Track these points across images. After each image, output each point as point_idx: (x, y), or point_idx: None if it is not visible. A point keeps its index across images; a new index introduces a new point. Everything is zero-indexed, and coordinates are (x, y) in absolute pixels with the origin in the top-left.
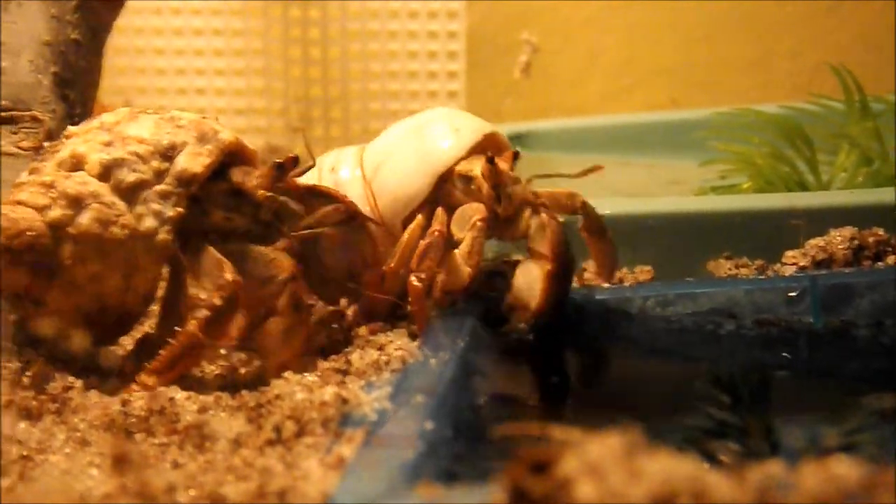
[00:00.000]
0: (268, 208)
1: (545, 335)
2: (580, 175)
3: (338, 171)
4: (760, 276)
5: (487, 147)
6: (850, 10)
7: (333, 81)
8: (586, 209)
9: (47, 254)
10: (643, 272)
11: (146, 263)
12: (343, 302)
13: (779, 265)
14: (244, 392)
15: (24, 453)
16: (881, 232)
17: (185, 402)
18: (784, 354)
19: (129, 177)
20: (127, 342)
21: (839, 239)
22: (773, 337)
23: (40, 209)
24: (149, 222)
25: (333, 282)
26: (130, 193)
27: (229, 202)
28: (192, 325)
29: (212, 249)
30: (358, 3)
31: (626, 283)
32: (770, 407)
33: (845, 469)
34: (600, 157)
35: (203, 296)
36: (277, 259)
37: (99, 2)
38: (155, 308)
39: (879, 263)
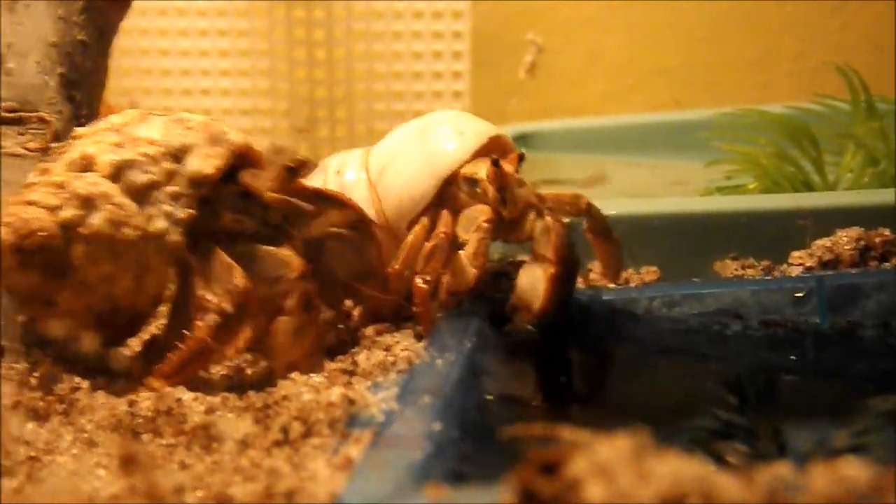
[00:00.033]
0: (277, 211)
1: (551, 336)
2: (585, 184)
3: (343, 173)
4: (767, 277)
5: (492, 149)
6: (853, 11)
7: (338, 82)
8: (591, 210)
9: (59, 254)
10: (649, 273)
11: (157, 264)
12: (348, 303)
13: (785, 266)
14: (251, 393)
15: (32, 454)
16: (888, 232)
17: (192, 402)
18: (790, 355)
19: (139, 178)
20: (134, 343)
21: (845, 239)
22: (780, 338)
23: (52, 209)
24: (159, 223)
25: (338, 285)
26: (141, 195)
27: (239, 204)
28: (201, 330)
29: (222, 253)
30: (362, 4)
31: (632, 284)
32: (777, 408)
33: (854, 470)
34: (605, 157)
35: (212, 298)
36: (287, 258)
37: (106, 3)
38: (162, 309)
39: (886, 264)
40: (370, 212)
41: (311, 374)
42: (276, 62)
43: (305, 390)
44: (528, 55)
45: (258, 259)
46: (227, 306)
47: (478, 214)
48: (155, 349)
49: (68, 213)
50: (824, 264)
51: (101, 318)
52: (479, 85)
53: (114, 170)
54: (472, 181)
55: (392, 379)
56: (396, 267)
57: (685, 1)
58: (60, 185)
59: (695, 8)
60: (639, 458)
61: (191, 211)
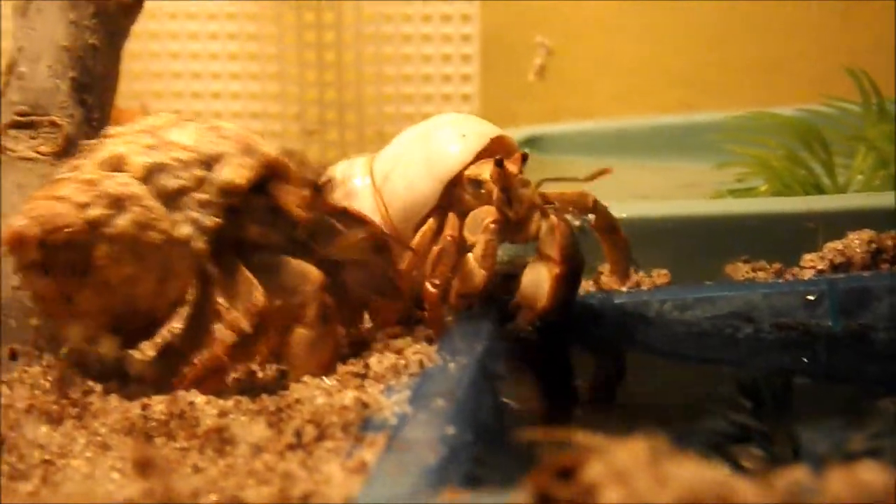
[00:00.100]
0: (303, 228)
1: (563, 339)
2: (589, 179)
3: (348, 180)
4: (778, 280)
5: (495, 150)
6: (863, 13)
7: (347, 85)
8: (597, 208)
9: (82, 252)
10: (660, 276)
11: (180, 270)
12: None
13: (797, 269)
14: (264, 396)
15: (46, 457)
16: None
17: (204, 406)
18: (802, 358)
19: (170, 182)
20: (147, 347)
21: (857, 242)
22: (792, 341)
23: (80, 206)
24: (186, 229)
25: (354, 303)
26: (171, 199)
27: (266, 218)
28: (217, 348)
29: (244, 269)
30: (372, 7)
31: (643, 287)
32: (790, 411)
33: (872, 475)
34: (615, 160)
35: (231, 313)
36: (306, 270)
37: (117, 7)
38: (179, 315)
39: None
40: (376, 218)
41: (324, 378)
42: (285, 65)
43: (318, 394)
44: (537, 58)
45: (278, 270)
46: (246, 326)
47: (484, 216)
48: (170, 355)
49: (96, 211)
50: (836, 267)
51: (118, 320)
52: (489, 88)
53: (145, 172)
54: (477, 182)
55: (404, 382)
56: (404, 267)
57: (694, 3)
58: (91, 183)
59: (704, 10)
60: (655, 462)
61: (217, 220)
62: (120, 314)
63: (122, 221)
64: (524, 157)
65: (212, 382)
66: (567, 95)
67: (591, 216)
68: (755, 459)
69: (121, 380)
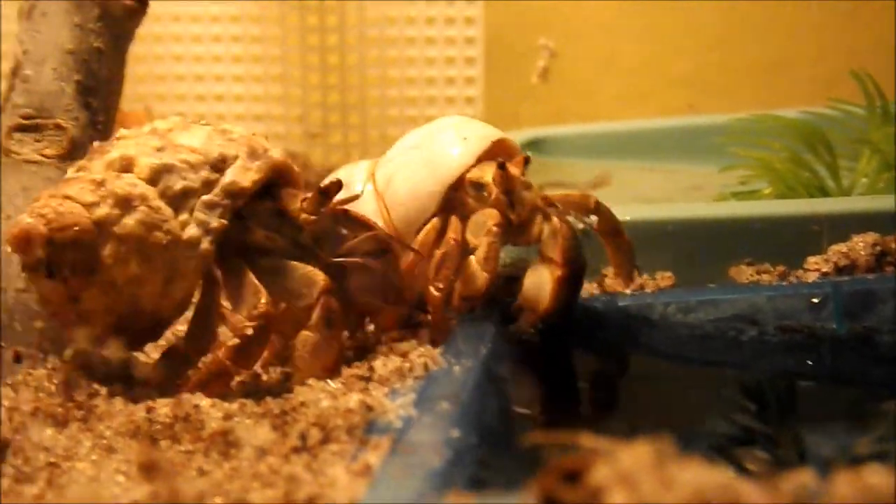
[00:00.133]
0: (309, 233)
1: (567, 342)
2: (589, 187)
3: (351, 186)
4: (783, 283)
5: (497, 153)
6: (868, 15)
7: (351, 88)
8: (600, 209)
9: (89, 251)
10: (664, 278)
11: (186, 271)
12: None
13: (801, 271)
14: (269, 399)
15: (52, 460)
16: None
17: (209, 409)
18: (807, 361)
19: (177, 184)
20: (151, 349)
21: (861, 245)
22: (796, 343)
23: (88, 206)
24: (192, 231)
25: (356, 309)
26: (177, 200)
27: (272, 222)
28: (221, 352)
29: (250, 273)
30: (375, 10)
31: (648, 290)
32: (795, 414)
33: (879, 478)
34: (618, 162)
35: (235, 317)
36: (312, 274)
37: (122, 10)
38: (184, 318)
39: None
40: (379, 222)
41: (328, 381)
42: (289, 68)
43: (323, 396)
44: (540, 60)
45: (284, 274)
46: (249, 330)
47: (486, 219)
48: (174, 358)
49: (104, 210)
50: (840, 270)
51: (124, 321)
52: (492, 90)
53: (153, 173)
54: (479, 185)
55: (409, 385)
56: (409, 263)
57: (697, 5)
58: (99, 183)
59: (708, 13)
60: (661, 465)
61: (224, 221)
62: (125, 315)
63: (129, 221)
64: (526, 160)
65: (216, 386)
66: (570, 98)
67: (594, 219)
68: (760, 462)
69: (125, 382)
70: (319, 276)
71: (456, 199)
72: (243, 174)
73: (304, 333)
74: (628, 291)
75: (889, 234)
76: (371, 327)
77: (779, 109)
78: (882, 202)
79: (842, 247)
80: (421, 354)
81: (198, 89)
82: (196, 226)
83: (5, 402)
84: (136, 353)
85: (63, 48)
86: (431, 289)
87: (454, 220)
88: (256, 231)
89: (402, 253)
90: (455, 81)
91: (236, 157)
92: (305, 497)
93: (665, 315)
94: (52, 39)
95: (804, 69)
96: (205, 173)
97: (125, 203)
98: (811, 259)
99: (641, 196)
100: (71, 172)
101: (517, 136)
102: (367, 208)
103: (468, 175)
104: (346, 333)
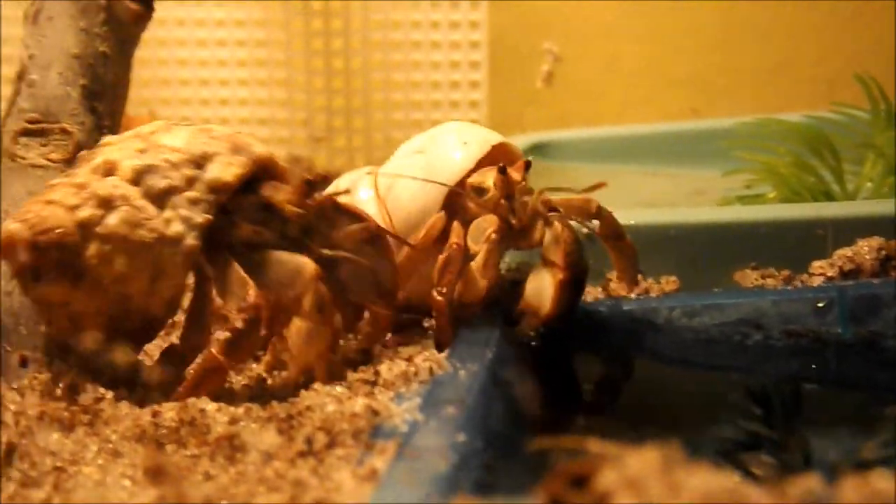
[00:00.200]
0: (296, 224)
1: (571, 346)
2: (588, 191)
3: (353, 192)
4: (788, 287)
5: (498, 158)
6: (872, 18)
7: (355, 92)
8: (602, 213)
9: (74, 253)
10: (669, 283)
11: (172, 268)
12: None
13: (806, 275)
14: (274, 403)
15: (58, 465)
16: None
17: (215, 413)
18: (812, 366)
19: (160, 183)
20: (151, 349)
21: (867, 249)
22: (801, 348)
23: (70, 209)
24: (177, 227)
25: (350, 303)
26: (161, 199)
27: (258, 216)
28: (213, 348)
29: (238, 267)
30: (380, 14)
31: (652, 294)
32: (801, 418)
33: (886, 483)
34: (622, 166)
35: (223, 309)
36: (301, 262)
37: (127, 15)
38: (179, 318)
39: None
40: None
41: (334, 385)
42: (293, 72)
43: (329, 401)
44: (544, 64)
45: (273, 264)
46: (239, 323)
47: (486, 226)
48: (171, 359)
49: (86, 212)
50: (845, 274)
51: (114, 321)
52: (496, 94)
53: (135, 174)
54: (480, 190)
55: (415, 389)
56: (405, 255)
57: (701, 8)
58: (81, 186)
59: (712, 16)
60: (668, 470)
61: (208, 217)
62: (116, 315)
63: (112, 220)
64: (527, 165)
65: (211, 383)
66: (574, 102)
67: (597, 223)
68: (766, 467)
69: (129, 385)
70: (308, 264)
71: (458, 203)
72: (225, 169)
73: (297, 322)
74: (633, 296)
75: (894, 239)
76: (366, 327)
77: (781, 112)
78: (887, 206)
79: (847, 251)
80: (426, 359)
81: (202, 93)
82: (180, 222)
83: (11, 407)
84: (140, 357)
85: (69, 52)
86: (434, 293)
87: (456, 225)
88: (243, 226)
89: (397, 246)
90: (459, 85)
91: (218, 154)
92: (311, 501)
93: (670, 319)
94: (57, 44)
95: (806, 71)
96: (187, 171)
97: (107, 203)
98: (816, 263)
99: (646, 200)
100: (57, 179)
101: (521, 141)
102: (370, 214)
103: (469, 180)
104: (339, 319)
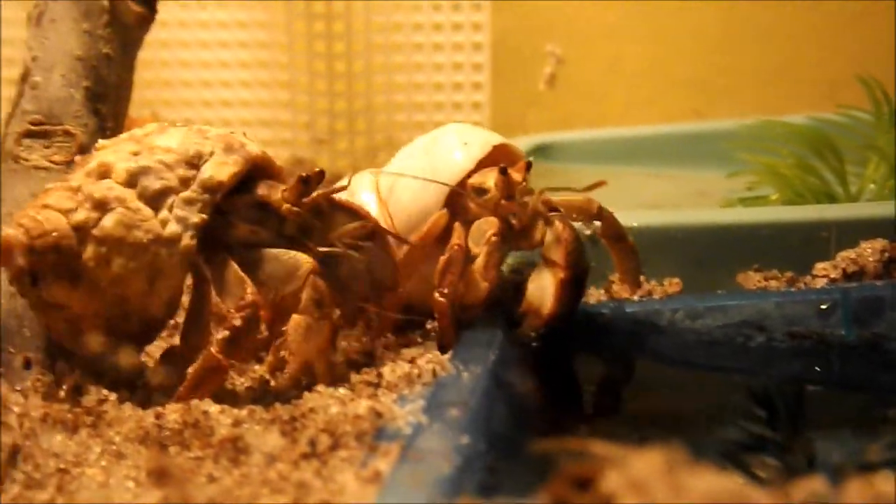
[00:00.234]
0: (292, 223)
1: (573, 348)
2: (585, 190)
3: (355, 194)
4: (791, 289)
5: (499, 159)
6: (875, 20)
7: (358, 94)
8: (603, 214)
9: (71, 256)
10: (672, 285)
11: (169, 269)
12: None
13: (809, 277)
14: (277, 405)
15: (62, 466)
16: None
17: (218, 415)
18: (815, 367)
19: (154, 184)
20: (152, 350)
21: (870, 251)
22: (804, 350)
23: (66, 212)
24: (173, 227)
25: (351, 301)
26: (155, 199)
27: (254, 215)
28: (212, 347)
29: (235, 266)
30: (382, 17)
31: (655, 296)
32: (804, 420)
33: (889, 485)
34: (625, 168)
35: (226, 310)
36: (297, 257)
37: (131, 17)
38: (178, 320)
39: None
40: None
41: (337, 387)
42: (296, 74)
43: (332, 402)
44: (547, 66)
45: (270, 261)
46: (237, 322)
47: (487, 227)
48: (172, 360)
49: (81, 215)
50: (848, 276)
51: (113, 323)
52: (499, 96)
53: (129, 176)
54: (481, 191)
55: (418, 391)
56: (419, 240)
57: (705, 11)
58: (76, 189)
59: (715, 18)
60: (672, 472)
61: (203, 216)
62: (114, 317)
63: (108, 223)
64: (528, 166)
65: (212, 382)
66: (577, 104)
67: (598, 223)
68: (769, 469)
69: (131, 387)
70: (305, 259)
71: (459, 204)
72: (220, 168)
73: (296, 318)
74: (636, 298)
75: None
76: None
77: (784, 114)
78: (890, 208)
79: (850, 253)
80: (429, 360)
81: (205, 95)
82: (176, 222)
83: (15, 408)
84: (150, 364)
85: (72, 54)
86: (436, 295)
87: (457, 226)
88: (239, 225)
89: (398, 245)
90: (462, 87)
91: (212, 153)
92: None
93: (673, 321)
94: (61, 46)
95: (809, 73)
96: (181, 171)
97: (102, 206)
98: (819, 265)
99: (648, 202)
100: (52, 184)
101: (524, 142)
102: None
103: (470, 180)
104: (337, 313)
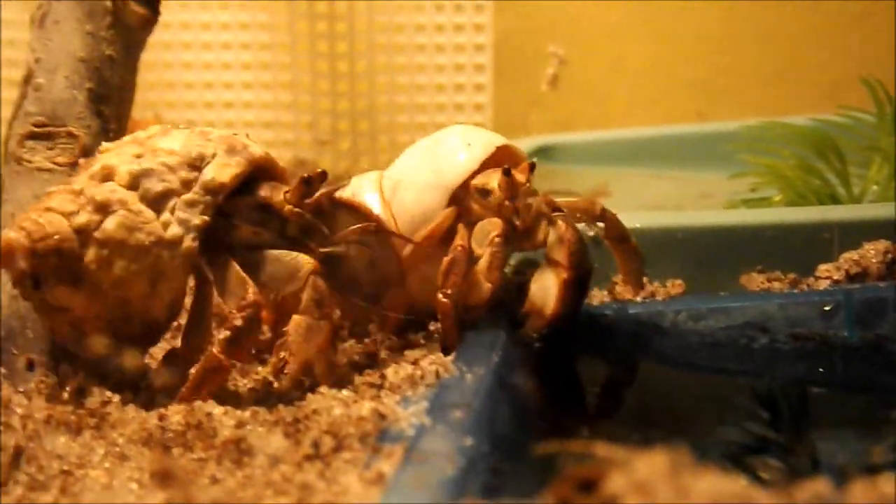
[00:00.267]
0: (294, 224)
1: (576, 349)
2: (588, 196)
3: (358, 195)
4: (794, 290)
5: (502, 160)
6: (878, 21)
7: (360, 95)
8: (606, 215)
9: (73, 258)
10: (675, 286)
11: (171, 270)
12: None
13: (812, 279)
14: (280, 406)
15: (65, 468)
16: None
17: (222, 417)
18: (818, 369)
19: (156, 186)
20: (155, 352)
21: (873, 252)
22: (807, 351)
23: (68, 215)
24: (175, 230)
25: (355, 301)
26: (157, 202)
27: (256, 217)
28: (214, 347)
29: (237, 267)
30: (385, 17)
31: (658, 297)
32: (807, 422)
33: (893, 487)
34: (628, 169)
35: (227, 310)
36: (298, 258)
37: (134, 19)
38: (181, 321)
39: None
40: None
41: (340, 389)
42: (298, 75)
43: (335, 404)
44: (549, 67)
45: (271, 262)
46: (238, 322)
47: (490, 228)
48: (174, 361)
49: (84, 217)
50: (851, 277)
51: (115, 325)
52: (501, 97)
53: (132, 178)
54: (484, 192)
55: (421, 393)
56: (423, 238)
57: (707, 12)
58: (78, 192)
59: (717, 19)
60: (676, 474)
61: (206, 218)
62: (116, 319)
63: (110, 225)
64: (532, 167)
65: (213, 382)
66: (580, 105)
67: (601, 224)
68: (773, 471)
69: (134, 389)
70: (306, 259)
71: (462, 205)
72: (222, 170)
73: (296, 318)
74: (639, 299)
75: None
76: (377, 326)
77: (787, 115)
78: (893, 210)
79: (853, 254)
80: (432, 362)
81: (207, 96)
82: (177, 224)
83: (18, 410)
84: (150, 363)
85: (75, 56)
86: (440, 296)
87: (461, 228)
88: (242, 227)
89: (400, 243)
90: (464, 88)
91: (215, 155)
92: None
93: (676, 323)
94: (64, 47)
95: (811, 74)
96: (184, 173)
97: (104, 208)
98: (822, 267)
99: (651, 203)
100: (55, 186)
101: (526, 144)
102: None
103: (473, 181)
104: (338, 313)
